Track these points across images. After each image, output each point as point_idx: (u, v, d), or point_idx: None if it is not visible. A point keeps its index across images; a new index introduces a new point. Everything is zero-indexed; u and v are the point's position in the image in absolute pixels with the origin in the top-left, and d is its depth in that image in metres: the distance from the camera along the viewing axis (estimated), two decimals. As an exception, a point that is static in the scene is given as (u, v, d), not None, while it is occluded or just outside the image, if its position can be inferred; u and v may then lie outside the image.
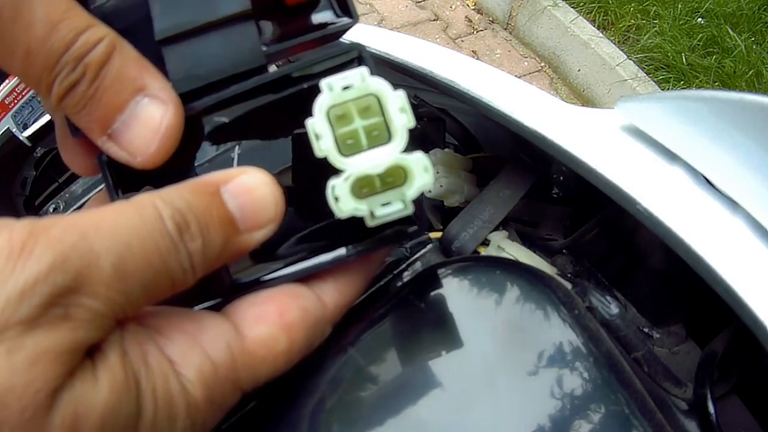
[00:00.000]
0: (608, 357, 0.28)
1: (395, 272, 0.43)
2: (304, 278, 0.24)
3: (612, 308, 0.42)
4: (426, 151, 0.56)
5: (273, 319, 0.22)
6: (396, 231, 0.24)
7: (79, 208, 0.68)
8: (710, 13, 1.87)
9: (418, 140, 0.59)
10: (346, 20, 0.24)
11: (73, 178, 0.73)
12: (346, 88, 0.22)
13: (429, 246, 0.48)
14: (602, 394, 0.27)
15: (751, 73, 1.71)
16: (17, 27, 0.19)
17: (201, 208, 0.20)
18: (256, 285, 0.24)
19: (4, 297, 0.16)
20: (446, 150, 0.57)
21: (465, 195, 0.55)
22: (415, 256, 0.46)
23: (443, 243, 0.49)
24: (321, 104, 0.22)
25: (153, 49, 0.23)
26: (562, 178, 0.54)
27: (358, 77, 0.22)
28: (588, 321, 0.30)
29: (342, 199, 0.22)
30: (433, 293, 0.31)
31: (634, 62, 1.80)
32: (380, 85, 0.22)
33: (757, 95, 0.36)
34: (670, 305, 0.48)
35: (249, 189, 0.21)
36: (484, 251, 0.50)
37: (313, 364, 0.30)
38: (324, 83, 0.21)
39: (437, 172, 0.54)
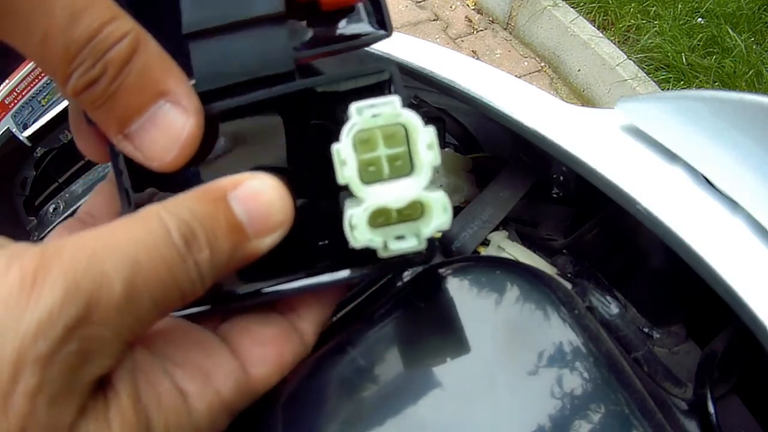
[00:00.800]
0: (608, 357, 0.28)
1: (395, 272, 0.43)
2: (295, 299, 0.25)
3: (612, 308, 0.42)
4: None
5: (274, 361, 0.23)
6: (403, 259, 0.24)
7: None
8: (710, 13, 1.87)
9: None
10: (381, 33, 0.24)
11: (73, 178, 0.73)
12: (376, 115, 0.21)
13: (429, 246, 0.48)
14: (602, 394, 0.27)
15: (751, 73, 1.71)
16: (37, 10, 0.18)
17: (208, 216, 0.20)
18: (255, 296, 0.24)
19: (21, 334, 0.16)
20: (446, 150, 0.57)
21: (465, 195, 0.55)
22: (415, 256, 0.46)
23: (443, 243, 0.49)
24: (349, 130, 0.21)
25: (177, 42, 0.22)
26: (562, 178, 0.54)
27: (390, 107, 0.21)
28: (588, 321, 0.30)
29: (358, 228, 0.21)
30: (433, 293, 0.31)
31: (634, 62, 1.80)
32: (411, 118, 0.21)
33: (757, 95, 0.36)
34: (670, 305, 0.48)
35: (256, 194, 0.21)
36: (484, 251, 0.50)
37: (313, 365, 0.30)
38: (354, 108, 0.21)
39: (437, 172, 0.54)
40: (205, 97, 0.22)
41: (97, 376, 0.17)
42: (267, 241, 0.21)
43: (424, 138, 0.21)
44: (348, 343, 0.31)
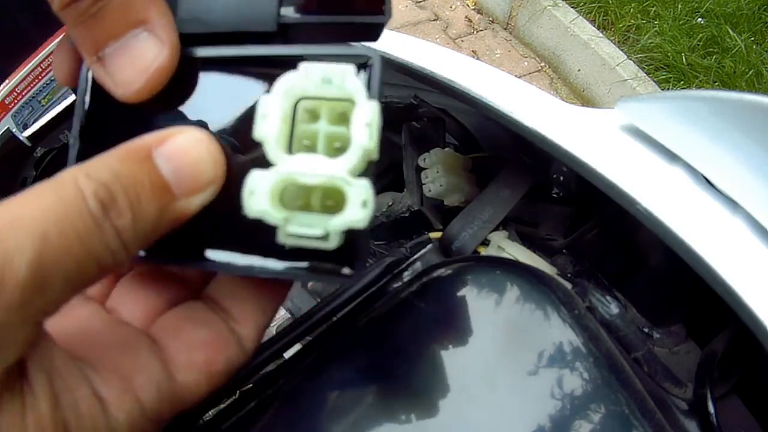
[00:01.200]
0: (608, 357, 0.28)
1: (395, 272, 0.43)
2: (232, 303, 0.23)
3: (612, 308, 0.42)
4: (426, 150, 0.57)
5: (201, 368, 0.22)
6: (331, 269, 0.21)
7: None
8: (710, 13, 1.87)
9: (418, 139, 0.59)
10: (378, 17, 0.22)
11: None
12: (325, 81, 0.19)
13: (429, 246, 0.48)
14: (602, 394, 0.27)
15: (751, 73, 1.71)
16: None
17: (130, 177, 0.18)
18: (181, 259, 0.22)
19: None
20: (446, 150, 0.57)
21: (465, 195, 0.55)
22: (415, 256, 0.46)
23: (443, 243, 0.49)
24: (284, 84, 0.19)
25: None
26: (562, 178, 0.54)
27: (339, 74, 0.19)
28: (588, 321, 0.30)
29: (257, 195, 0.19)
30: (432, 294, 0.31)
31: (634, 62, 1.80)
32: (355, 90, 0.19)
33: (757, 95, 0.36)
34: (670, 305, 0.48)
35: (184, 150, 0.19)
36: (484, 251, 0.50)
37: (314, 365, 0.30)
38: (302, 65, 0.19)
39: (437, 172, 0.54)
40: (184, 40, 0.21)
41: (8, 363, 0.17)
42: (196, 201, 0.20)
43: (363, 113, 0.19)
44: (349, 346, 0.31)
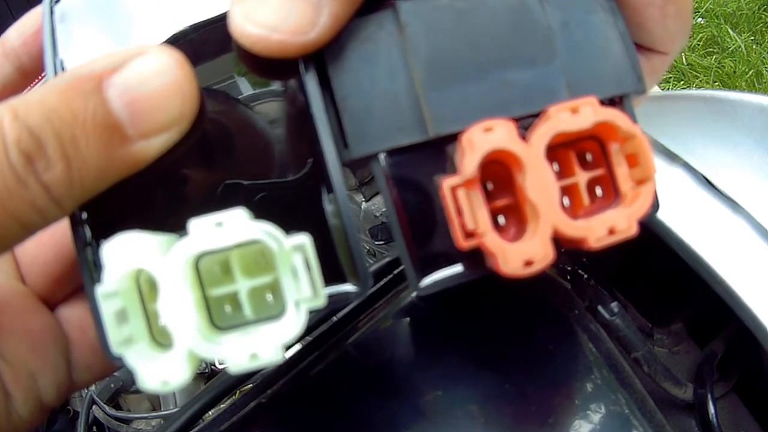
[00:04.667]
0: (608, 357, 0.28)
1: (395, 272, 0.43)
2: None
3: (612, 308, 0.42)
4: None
5: (99, 371, 0.22)
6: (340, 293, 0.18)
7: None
8: (710, 13, 1.87)
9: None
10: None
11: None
12: (218, 225, 0.15)
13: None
14: (602, 394, 0.27)
15: (751, 73, 1.72)
16: None
17: (68, 118, 0.15)
18: None
19: None
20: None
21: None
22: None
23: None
24: (178, 254, 0.15)
25: None
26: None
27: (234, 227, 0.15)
28: (588, 321, 0.30)
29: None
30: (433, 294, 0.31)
31: (634, 62, 1.80)
32: (266, 235, 0.15)
33: (757, 95, 0.36)
34: (670, 305, 0.48)
35: (143, 78, 0.16)
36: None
37: (316, 365, 0.30)
38: (192, 222, 0.15)
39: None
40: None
41: None
42: (156, 143, 0.16)
43: (287, 260, 0.14)
44: (349, 343, 0.31)
